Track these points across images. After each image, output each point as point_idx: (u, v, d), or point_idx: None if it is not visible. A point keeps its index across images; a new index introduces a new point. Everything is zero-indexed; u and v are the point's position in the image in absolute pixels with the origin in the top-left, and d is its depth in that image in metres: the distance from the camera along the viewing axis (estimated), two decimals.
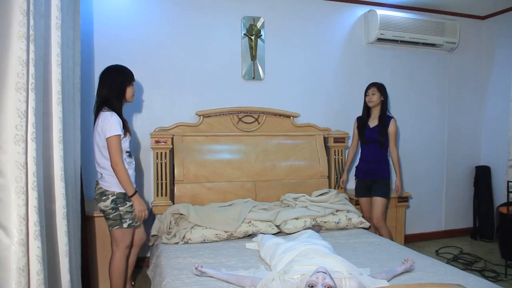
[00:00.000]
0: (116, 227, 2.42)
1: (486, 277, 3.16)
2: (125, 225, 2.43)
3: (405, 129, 4.20)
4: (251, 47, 3.65)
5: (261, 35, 3.67)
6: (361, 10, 4.01)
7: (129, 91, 2.51)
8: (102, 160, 2.43)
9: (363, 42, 4.05)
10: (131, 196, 2.42)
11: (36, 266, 1.57)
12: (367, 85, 3.34)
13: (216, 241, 2.82)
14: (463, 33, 4.33)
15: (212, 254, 2.54)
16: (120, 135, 2.37)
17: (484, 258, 3.69)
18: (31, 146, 1.57)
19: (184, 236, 2.77)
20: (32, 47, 1.57)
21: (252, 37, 3.64)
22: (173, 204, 3.23)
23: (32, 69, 1.58)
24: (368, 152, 3.34)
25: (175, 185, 3.26)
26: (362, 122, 3.38)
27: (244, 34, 3.63)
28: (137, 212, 2.45)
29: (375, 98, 3.25)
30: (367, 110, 3.36)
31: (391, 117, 3.28)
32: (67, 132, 2.01)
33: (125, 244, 2.49)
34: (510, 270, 3.34)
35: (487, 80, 4.52)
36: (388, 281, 2.00)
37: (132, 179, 2.49)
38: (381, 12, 3.89)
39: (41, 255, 1.58)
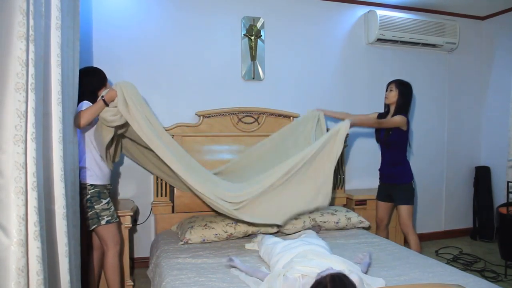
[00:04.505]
0: (95, 225, 2.42)
1: (486, 278, 3.16)
2: (103, 222, 2.42)
3: None
4: (251, 48, 3.65)
5: (261, 35, 3.67)
6: (361, 10, 4.01)
7: (102, 93, 2.48)
8: (82, 148, 2.44)
9: (363, 42, 4.05)
10: (103, 100, 2.33)
11: (36, 266, 1.56)
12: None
13: (216, 241, 2.82)
14: (463, 33, 4.33)
15: (212, 254, 2.54)
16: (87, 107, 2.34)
17: (484, 259, 3.69)
18: (31, 146, 1.57)
19: (184, 236, 2.77)
20: (32, 47, 1.57)
21: (252, 38, 3.64)
22: (173, 205, 3.24)
23: (32, 69, 1.58)
24: (384, 154, 3.15)
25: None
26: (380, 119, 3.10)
27: (244, 34, 3.63)
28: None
29: (391, 95, 3.01)
30: (387, 108, 3.10)
31: (402, 115, 2.95)
32: (67, 133, 2.01)
33: (114, 241, 2.48)
34: (510, 270, 3.34)
35: (487, 80, 4.52)
36: (365, 273, 2.11)
37: (108, 175, 2.56)
38: (381, 12, 3.89)
39: (41, 255, 1.58)
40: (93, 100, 2.45)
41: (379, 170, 3.23)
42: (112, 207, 2.51)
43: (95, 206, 2.42)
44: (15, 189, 1.49)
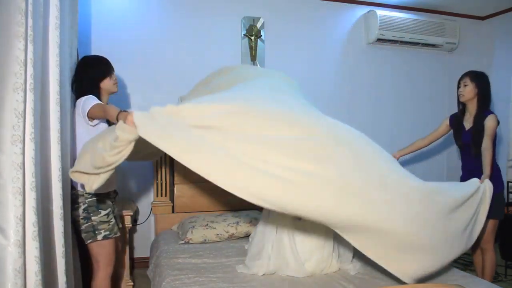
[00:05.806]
0: (90, 240, 2.11)
1: None
2: (99, 237, 2.11)
3: (405, 129, 4.18)
4: (251, 48, 3.65)
5: (261, 35, 3.67)
6: (361, 10, 4.01)
7: (105, 84, 2.20)
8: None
9: (363, 42, 4.05)
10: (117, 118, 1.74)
11: (34, 267, 1.56)
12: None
13: (217, 241, 2.82)
14: (463, 33, 4.32)
15: (211, 254, 2.54)
16: (99, 102, 2.05)
17: None
18: (29, 146, 1.56)
19: (185, 236, 2.76)
20: (30, 47, 1.57)
21: (252, 38, 3.64)
22: (173, 205, 3.23)
23: (30, 69, 1.57)
24: (467, 160, 2.72)
25: (175, 186, 3.25)
26: (457, 121, 2.73)
27: (244, 34, 3.63)
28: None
29: (466, 90, 2.61)
30: (462, 106, 2.72)
31: (490, 113, 2.60)
32: (65, 133, 2.01)
33: (106, 261, 2.17)
34: (510, 270, 3.33)
35: None
36: None
37: (113, 179, 2.08)
38: (381, 12, 3.88)
39: (39, 255, 1.58)
40: (96, 93, 2.15)
41: (461, 178, 2.79)
42: (113, 220, 2.18)
43: (92, 218, 2.10)
44: (12, 190, 1.49)
